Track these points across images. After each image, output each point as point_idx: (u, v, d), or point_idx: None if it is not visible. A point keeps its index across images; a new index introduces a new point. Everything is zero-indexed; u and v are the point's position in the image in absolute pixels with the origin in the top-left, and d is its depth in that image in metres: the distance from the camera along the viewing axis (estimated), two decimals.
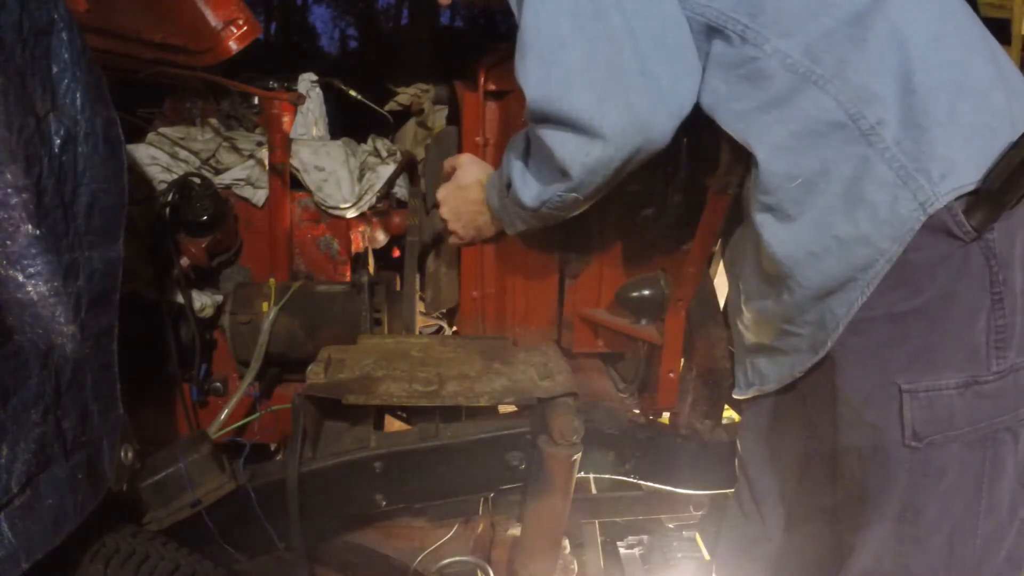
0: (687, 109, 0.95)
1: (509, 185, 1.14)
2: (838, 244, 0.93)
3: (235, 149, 1.82)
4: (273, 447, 1.84)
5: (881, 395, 0.96)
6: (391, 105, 1.94)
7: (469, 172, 1.36)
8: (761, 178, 0.97)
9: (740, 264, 1.16)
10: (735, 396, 1.24)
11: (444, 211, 1.40)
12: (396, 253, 2.15)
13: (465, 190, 1.35)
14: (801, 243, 0.96)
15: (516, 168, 1.12)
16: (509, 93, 1.42)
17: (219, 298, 1.74)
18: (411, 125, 2.12)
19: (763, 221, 1.00)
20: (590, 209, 1.12)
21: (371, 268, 2.07)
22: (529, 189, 1.09)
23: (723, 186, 1.09)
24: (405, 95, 1.94)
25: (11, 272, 0.86)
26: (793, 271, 0.98)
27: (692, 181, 1.15)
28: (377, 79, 2.10)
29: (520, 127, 1.16)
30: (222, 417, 1.36)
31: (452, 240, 1.45)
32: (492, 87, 1.41)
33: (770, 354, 1.11)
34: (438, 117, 1.91)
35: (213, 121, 1.95)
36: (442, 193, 1.41)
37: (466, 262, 1.52)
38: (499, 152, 1.47)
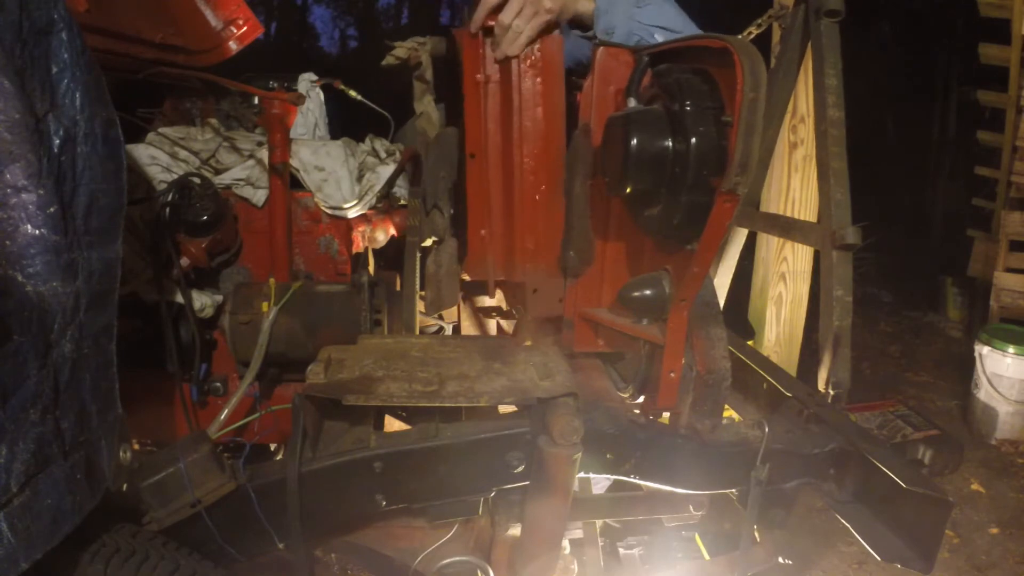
0: None
1: None
2: None
3: (235, 149, 1.82)
4: (273, 447, 1.84)
5: None
6: (388, 60, 1.90)
7: None
8: None
9: None
10: None
11: None
12: None
13: None
14: None
15: None
16: None
17: (219, 298, 1.74)
18: (411, 125, 2.11)
19: None
20: (593, 208, 1.12)
21: (371, 268, 2.07)
22: None
23: (731, 187, 1.09)
24: (402, 48, 1.91)
25: (10, 272, 0.86)
26: None
27: (699, 182, 1.15)
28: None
29: None
30: (222, 417, 1.36)
31: (534, 23, 1.39)
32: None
33: None
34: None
35: (213, 121, 1.95)
36: None
37: (472, 201, 1.50)
38: (500, 89, 1.49)
